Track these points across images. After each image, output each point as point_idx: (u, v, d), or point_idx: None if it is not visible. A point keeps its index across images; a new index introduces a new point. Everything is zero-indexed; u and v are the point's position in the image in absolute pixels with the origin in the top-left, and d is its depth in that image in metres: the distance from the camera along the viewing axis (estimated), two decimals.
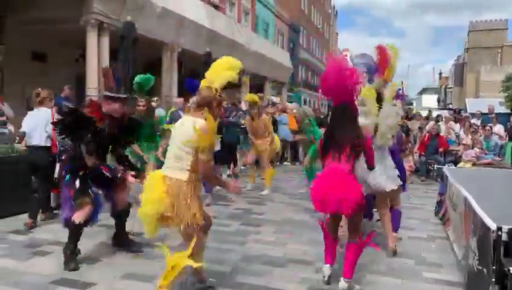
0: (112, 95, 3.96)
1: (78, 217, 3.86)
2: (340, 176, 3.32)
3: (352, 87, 3.50)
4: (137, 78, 5.35)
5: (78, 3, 10.24)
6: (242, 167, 9.30)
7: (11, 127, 6.29)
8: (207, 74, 3.31)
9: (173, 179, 3.06)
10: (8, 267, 3.80)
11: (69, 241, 3.86)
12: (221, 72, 3.26)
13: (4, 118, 5.99)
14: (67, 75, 12.26)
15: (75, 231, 3.87)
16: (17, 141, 5.42)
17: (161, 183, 3.07)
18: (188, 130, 3.01)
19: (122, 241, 4.34)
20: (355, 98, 3.67)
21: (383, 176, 4.34)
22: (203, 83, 3.27)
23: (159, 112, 7.10)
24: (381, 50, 4.51)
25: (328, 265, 3.61)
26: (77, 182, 3.91)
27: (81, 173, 3.94)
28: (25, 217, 5.13)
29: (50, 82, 9.77)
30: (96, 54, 10.51)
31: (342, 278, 3.43)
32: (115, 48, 9.11)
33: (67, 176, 4.01)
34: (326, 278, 3.58)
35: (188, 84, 6.16)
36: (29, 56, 12.09)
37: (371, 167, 3.67)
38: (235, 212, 6.17)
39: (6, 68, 10.85)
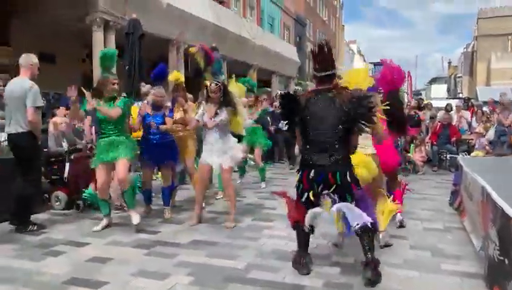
0: (328, 73, 3.47)
1: None
2: (386, 147, 4.52)
3: (401, 81, 4.74)
4: (101, 53, 5.16)
5: (83, 3, 10.24)
6: None
7: None
8: (356, 84, 3.91)
9: (371, 154, 4.12)
10: (21, 267, 3.78)
11: (373, 251, 3.42)
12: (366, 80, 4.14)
13: None
14: (74, 74, 12.28)
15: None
16: None
17: (370, 159, 4.05)
18: None
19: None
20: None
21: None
22: None
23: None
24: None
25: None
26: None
27: None
28: (36, 217, 5.13)
29: (58, 82, 9.80)
30: None
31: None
32: (122, 45, 9.09)
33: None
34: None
35: (162, 72, 5.94)
36: (37, 57, 12.11)
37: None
38: (247, 207, 6.11)
39: (13, 70, 10.86)
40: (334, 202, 3.43)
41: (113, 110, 4.77)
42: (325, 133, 3.41)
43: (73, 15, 10.39)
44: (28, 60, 4.86)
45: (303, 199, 3.55)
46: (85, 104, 4.89)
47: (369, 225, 3.37)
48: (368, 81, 4.03)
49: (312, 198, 3.47)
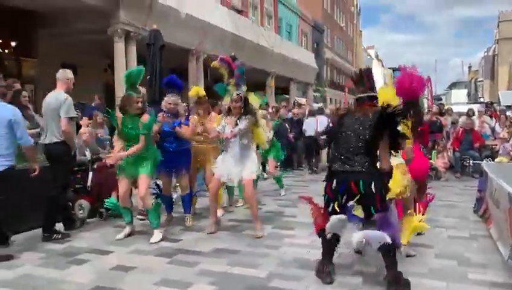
0: (366, 95, 3.63)
1: None
2: (415, 153, 4.37)
3: (421, 89, 4.45)
4: (126, 72, 5.21)
5: (105, 14, 10.43)
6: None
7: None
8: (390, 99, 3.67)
9: (399, 164, 3.98)
10: (45, 276, 3.83)
11: (396, 267, 3.41)
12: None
13: (38, 130, 6.11)
14: (96, 84, 12.53)
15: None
16: None
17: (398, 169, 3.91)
18: None
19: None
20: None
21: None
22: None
23: None
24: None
25: None
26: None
27: None
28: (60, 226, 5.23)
29: (80, 92, 9.99)
30: (124, 63, 10.68)
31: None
32: (143, 56, 9.23)
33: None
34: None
35: (173, 81, 5.79)
36: (59, 68, 12.39)
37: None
38: (267, 215, 6.09)
39: (38, 81, 11.16)
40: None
41: (135, 148, 4.82)
42: (350, 143, 3.48)
43: (95, 26, 10.60)
44: (65, 74, 5.12)
45: (329, 209, 3.56)
46: (113, 119, 5.04)
47: (390, 245, 3.38)
48: (397, 100, 3.96)
49: (337, 209, 3.49)
